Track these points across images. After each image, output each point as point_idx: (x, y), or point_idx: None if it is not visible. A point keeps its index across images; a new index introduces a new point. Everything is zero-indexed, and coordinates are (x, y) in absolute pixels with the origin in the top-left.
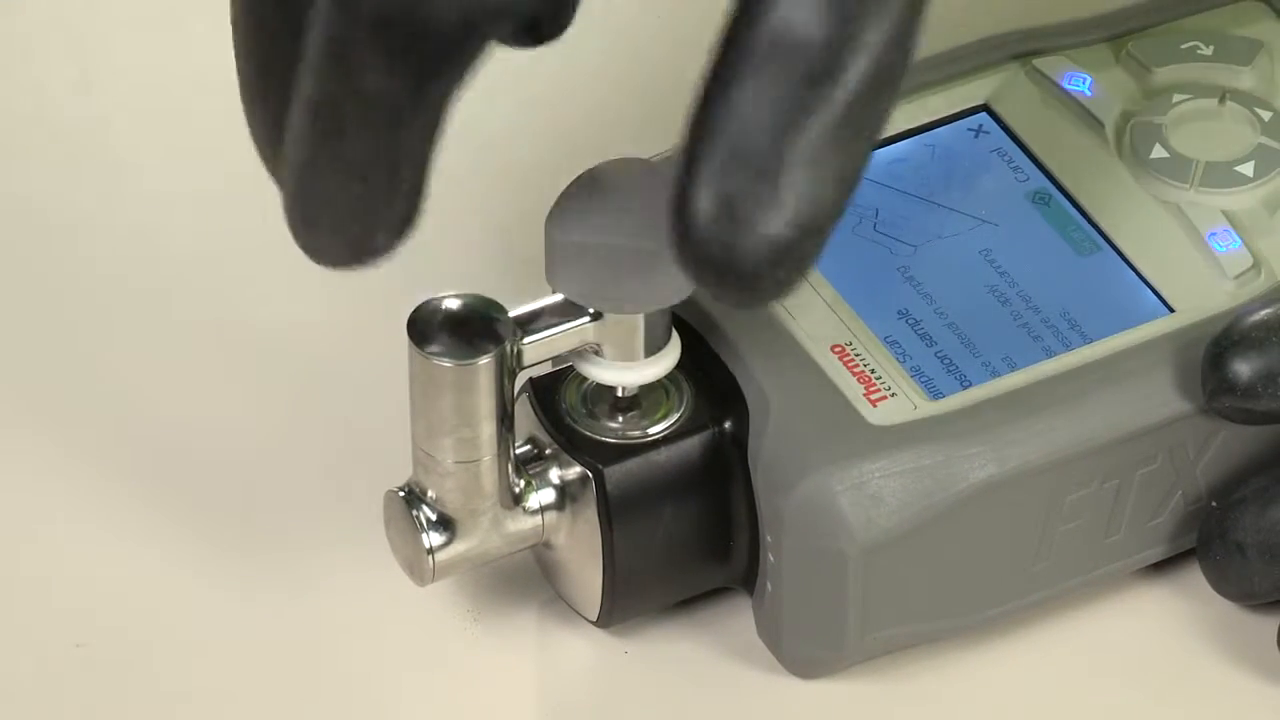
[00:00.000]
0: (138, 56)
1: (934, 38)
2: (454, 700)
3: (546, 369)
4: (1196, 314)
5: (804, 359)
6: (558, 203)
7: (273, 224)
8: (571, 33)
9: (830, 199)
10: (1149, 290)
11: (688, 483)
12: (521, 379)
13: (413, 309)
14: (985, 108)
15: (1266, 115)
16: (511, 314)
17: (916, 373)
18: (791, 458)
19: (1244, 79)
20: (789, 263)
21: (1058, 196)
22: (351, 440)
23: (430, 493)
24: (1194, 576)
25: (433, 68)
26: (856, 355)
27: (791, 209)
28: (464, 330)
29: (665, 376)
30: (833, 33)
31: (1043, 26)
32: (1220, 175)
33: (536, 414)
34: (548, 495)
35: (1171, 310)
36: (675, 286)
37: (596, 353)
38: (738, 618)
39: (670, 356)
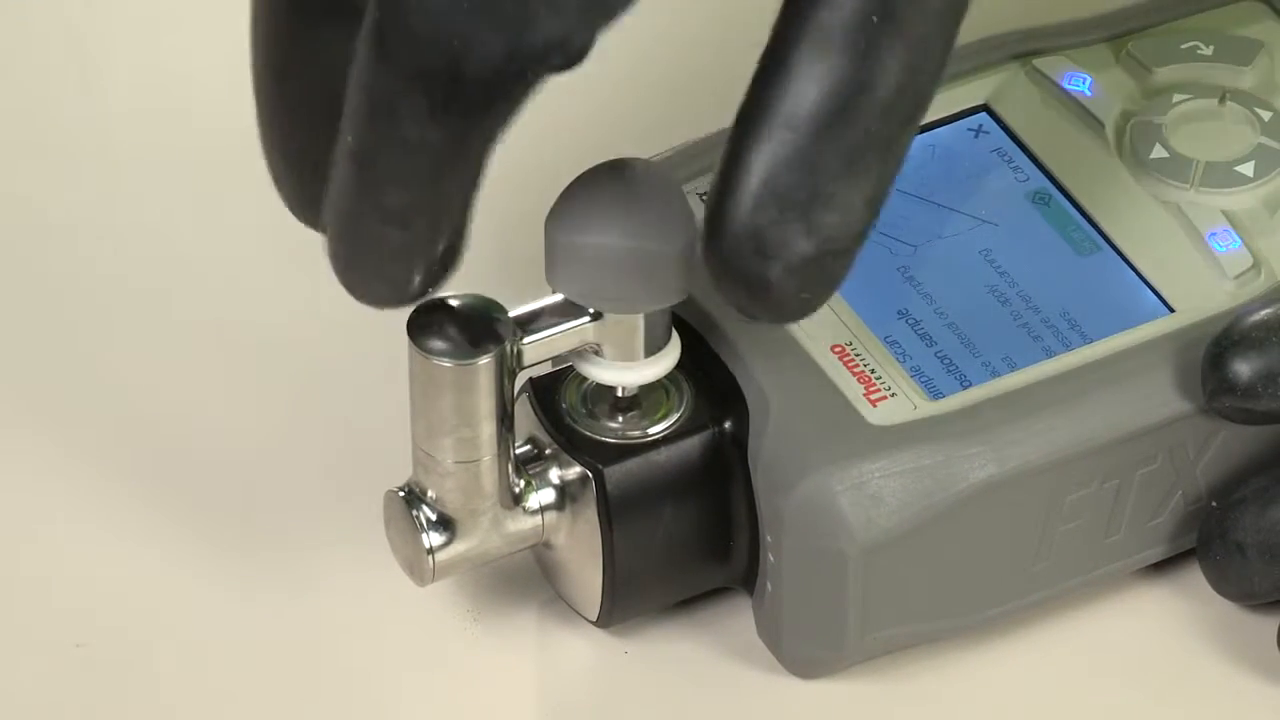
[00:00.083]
0: (138, 56)
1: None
2: (454, 700)
3: (546, 369)
4: (1196, 314)
5: (804, 359)
6: (558, 203)
7: (273, 224)
8: None
9: (857, 223)
10: (1149, 290)
11: (688, 483)
12: (521, 379)
13: (413, 309)
14: (985, 108)
15: (1266, 115)
16: (511, 314)
17: (916, 373)
18: (791, 458)
19: (1244, 79)
20: (816, 285)
21: (1058, 196)
22: (351, 440)
23: (430, 493)
24: (1194, 576)
25: (474, 118)
26: (856, 355)
27: (819, 236)
28: (464, 330)
29: (665, 376)
30: (859, 73)
31: (1043, 26)
32: (1220, 175)
33: (536, 414)
34: (548, 495)
35: (1171, 310)
36: (675, 286)
37: (596, 353)
38: (738, 618)
39: (670, 356)
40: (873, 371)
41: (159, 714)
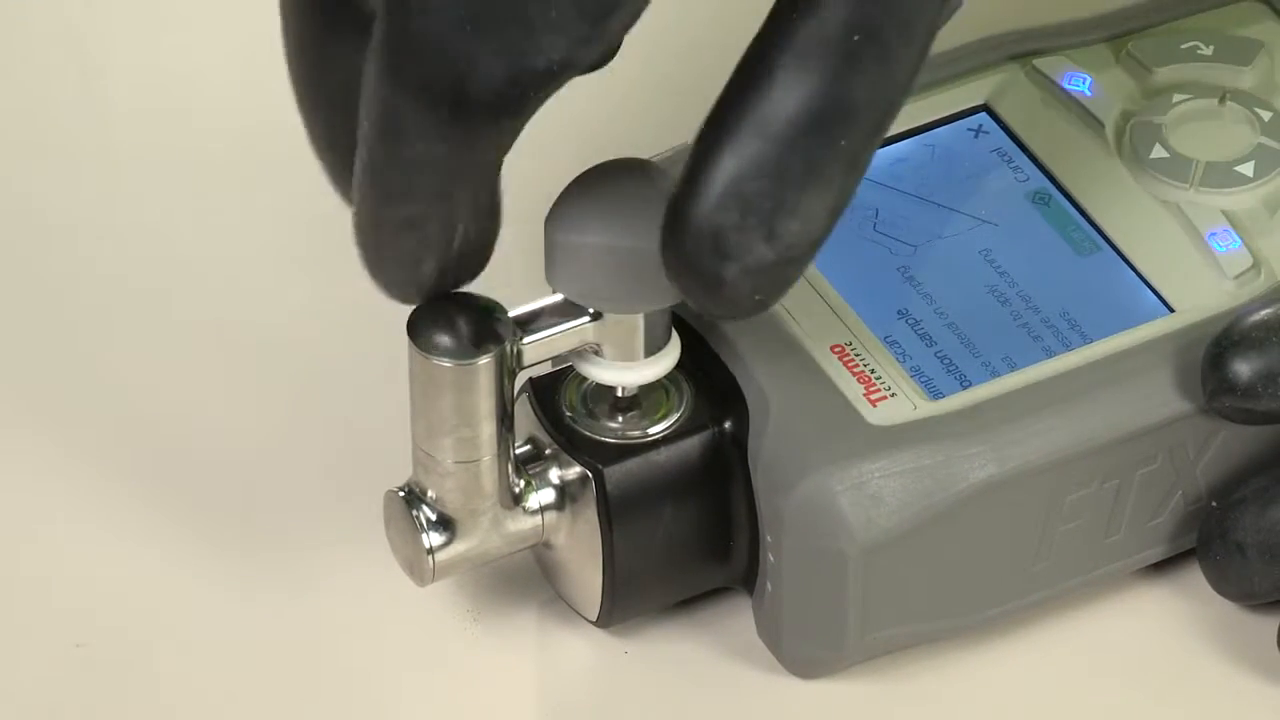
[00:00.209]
0: (138, 56)
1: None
2: (454, 700)
3: (546, 369)
4: (1196, 314)
5: (804, 359)
6: (557, 203)
7: (273, 224)
8: None
9: (818, 232)
10: (1149, 290)
11: (688, 483)
12: (521, 379)
13: (413, 309)
14: (985, 108)
15: (1266, 115)
16: (511, 314)
17: (916, 373)
18: (791, 458)
19: (1244, 79)
20: (770, 288)
21: (1058, 196)
22: (351, 440)
23: (430, 493)
24: (1194, 576)
25: (480, 134)
26: (856, 355)
27: (779, 243)
28: (464, 330)
29: (665, 376)
30: (838, 85)
31: (1043, 26)
32: (1220, 175)
33: (536, 414)
34: (548, 495)
35: (1171, 310)
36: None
37: (596, 353)
38: (738, 618)
39: (670, 356)
40: (873, 371)
41: (159, 714)
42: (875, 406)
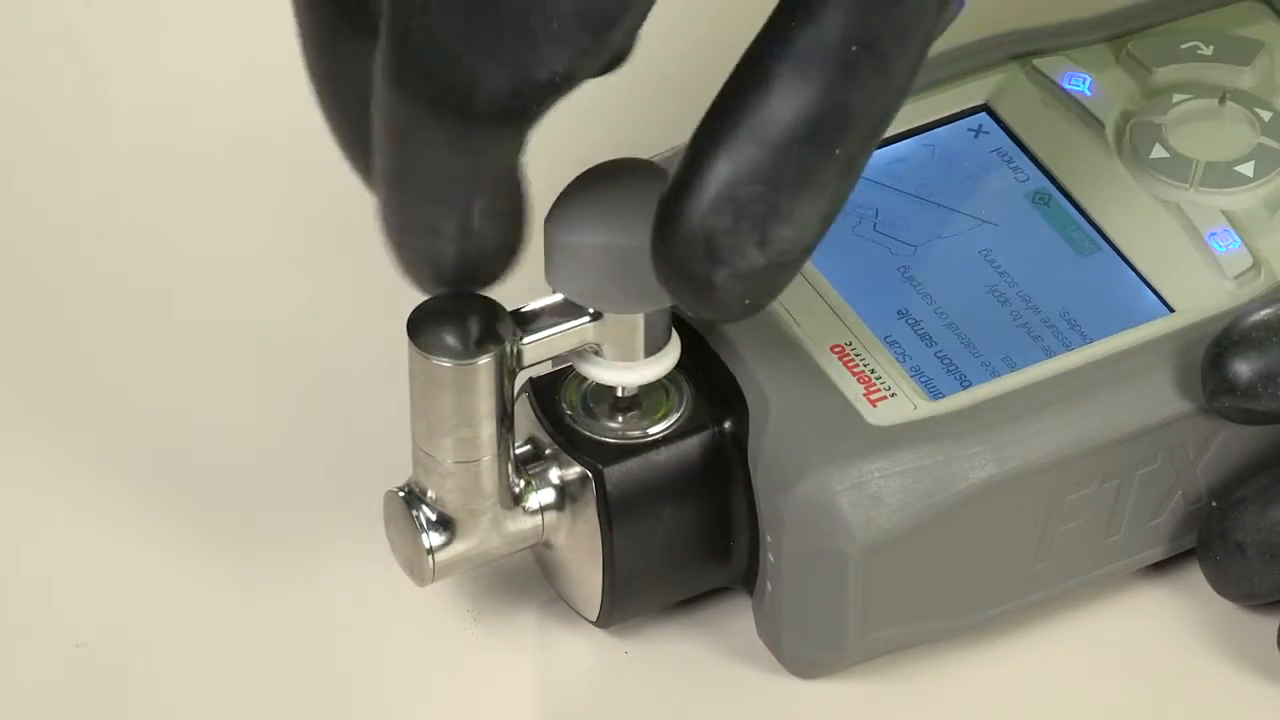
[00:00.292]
0: (138, 56)
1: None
2: (454, 700)
3: (546, 369)
4: (1196, 314)
5: (804, 359)
6: (557, 203)
7: (273, 224)
8: None
9: (810, 239)
10: (1149, 290)
11: (688, 483)
12: (521, 379)
13: (413, 309)
14: (985, 108)
15: (1266, 115)
16: (511, 314)
17: (916, 373)
18: (791, 458)
19: (1244, 79)
20: (759, 293)
21: (1058, 196)
22: (351, 440)
23: (430, 493)
24: (1194, 576)
25: (489, 142)
26: (856, 355)
27: (770, 248)
28: (464, 330)
29: (665, 376)
30: (835, 94)
31: (1043, 26)
32: (1220, 175)
33: (536, 414)
34: (548, 495)
35: (1171, 310)
36: None
37: (596, 353)
38: (738, 618)
39: (670, 356)
40: (873, 371)
41: (159, 714)
42: (875, 406)
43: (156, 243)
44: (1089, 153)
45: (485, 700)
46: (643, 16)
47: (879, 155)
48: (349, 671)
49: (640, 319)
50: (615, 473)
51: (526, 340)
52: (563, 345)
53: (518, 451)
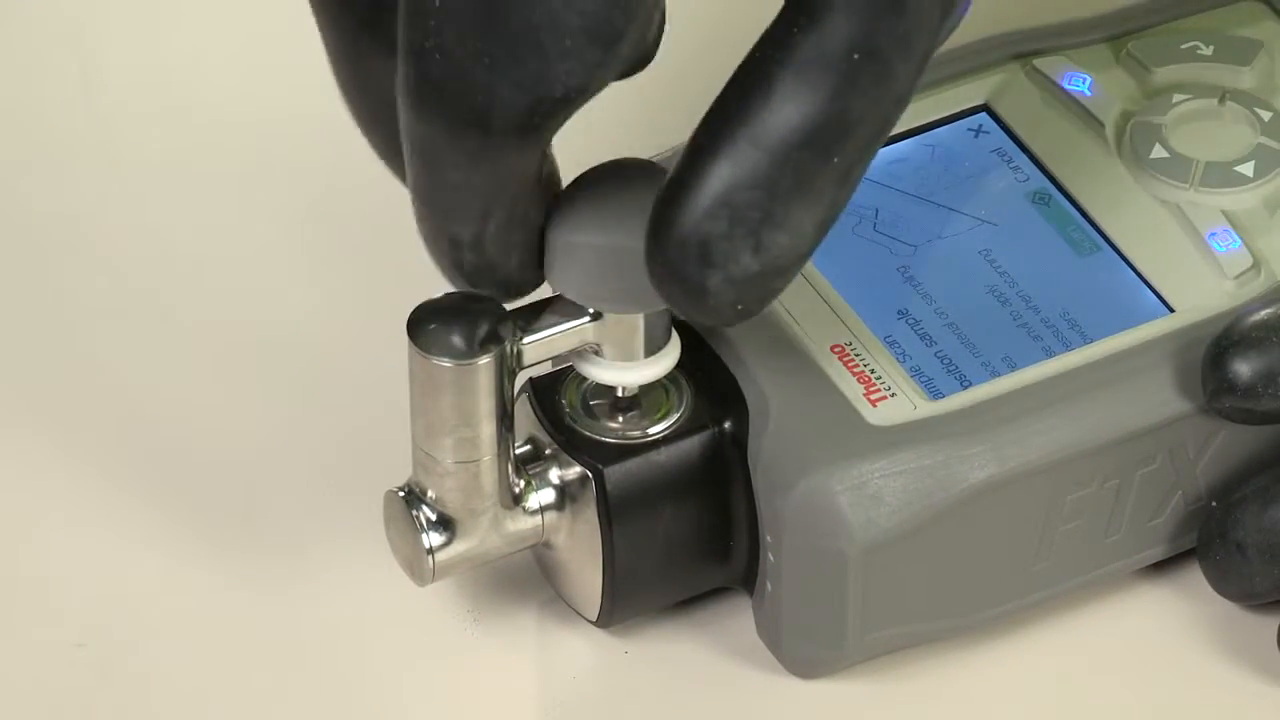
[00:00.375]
0: (138, 56)
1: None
2: (454, 700)
3: (546, 369)
4: (1196, 314)
5: (804, 359)
6: (558, 201)
7: (273, 224)
8: None
9: (805, 246)
10: (1149, 290)
11: (688, 483)
12: (521, 379)
13: (413, 309)
14: (985, 108)
15: (1266, 115)
16: (511, 314)
17: (916, 373)
18: (791, 458)
19: (1244, 79)
20: (753, 299)
21: (1058, 196)
22: (351, 440)
23: (430, 493)
24: (1194, 576)
25: (510, 157)
26: (856, 355)
27: (765, 254)
28: (464, 330)
29: (665, 376)
30: (836, 101)
31: (1043, 26)
32: (1220, 175)
33: (536, 414)
34: (548, 495)
35: (1171, 310)
36: None
37: (596, 353)
38: (738, 618)
39: (670, 356)
40: (873, 371)
41: (159, 714)
42: (875, 406)
43: (156, 243)
44: (1089, 153)
45: (485, 700)
46: (648, 26)
47: (879, 155)
48: (349, 671)
49: (640, 319)
50: (615, 473)
51: (526, 340)
52: (563, 345)
53: (518, 451)
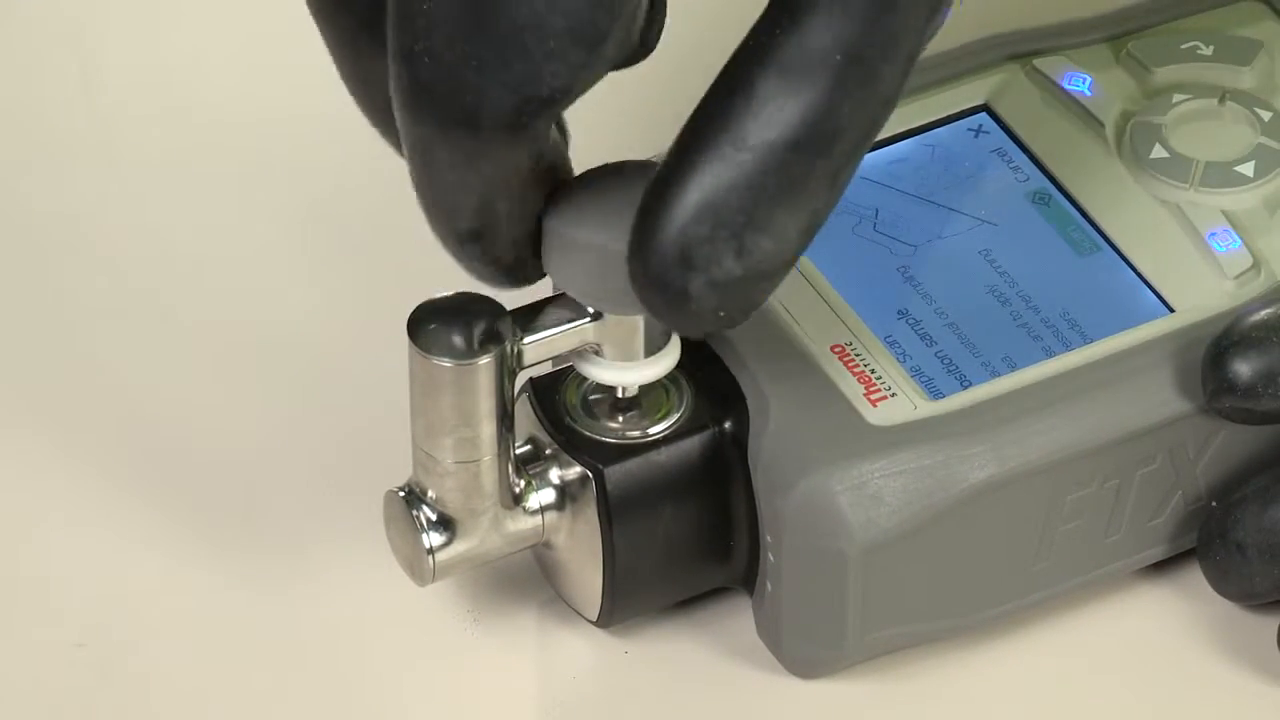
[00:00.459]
0: (138, 56)
1: (935, 38)
2: (454, 700)
3: (546, 369)
4: (1196, 314)
5: (804, 359)
6: (558, 200)
7: (273, 224)
8: None
9: (789, 251)
10: (1149, 290)
11: (688, 483)
12: (521, 379)
13: (413, 309)
14: (985, 108)
15: (1266, 115)
16: (511, 314)
17: (916, 373)
18: (791, 458)
19: (1244, 79)
20: (735, 305)
21: (1058, 196)
22: (351, 440)
23: (430, 493)
24: (1194, 576)
25: (505, 154)
26: (856, 355)
27: (748, 259)
28: (464, 330)
29: (665, 376)
30: (820, 104)
31: (1043, 26)
32: (1220, 175)
33: (536, 414)
34: (548, 495)
35: (1171, 310)
36: None
37: (596, 353)
38: (738, 618)
39: (670, 356)
40: (873, 371)
41: (159, 714)
42: (875, 406)
43: (156, 243)
44: (1089, 153)
45: (485, 700)
46: (633, 24)
47: (879, 155)
48: (349, 671)
49: (640, 319)
50: (615, 473)
51: (526, 340)
52: (563, 345)
53: (518, 451)
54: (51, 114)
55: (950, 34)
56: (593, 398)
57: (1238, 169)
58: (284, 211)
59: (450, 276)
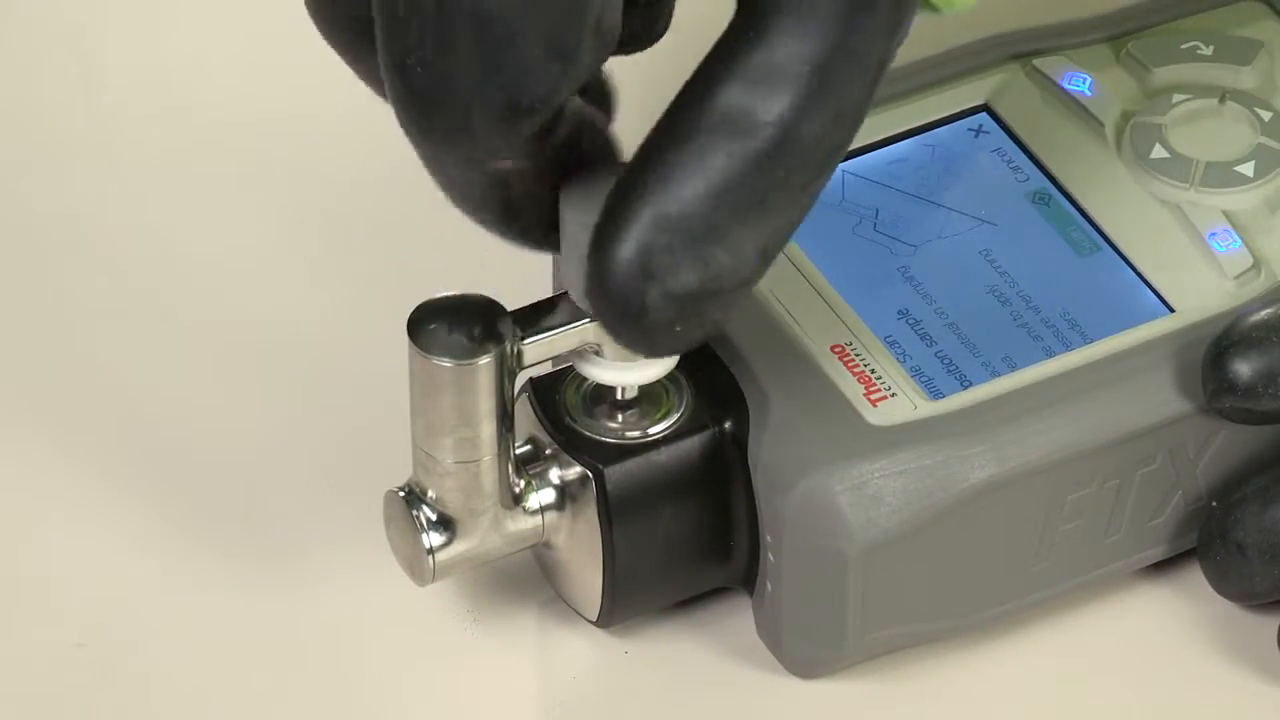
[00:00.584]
0: (138, 56)
1: (934, 38)
2: (454, 700)
3: (546, 369)
4: (1196, 314)
5: (804, 359)
6: (570, 185)
7: (273, 224)
8: None
9: (746, 268)
10: (1149, 290)
11: (688, 483)
12: (521, 379)
13: (413, 309)
14: (985, 108)
15: (1266, 115)
16: (511, 314)
17: (916, 373)
18: (791, 458)
19: (1244, 79)
20: (693, 321)
21: (1058, 196)
22: (351, 440)
23: (430, 493)
24: (1194, 576)
25: (500, 153)
26: (856, 355)
27: (705, 272)
28: (464, 330)
29: (665, 376)
30: (784, 114)
31: (1043, 26)
32: (1220, 175)
33: (536, 414)
34: (548, 495)
35: (1171, 310)
36: None
37: (597, 353)
38: (738, 618)
39: (670, 357)
40: (873, 371)
41: (159, 714)
42: (875, 406)
43: (156, 243)
44: (1089, 153)
45: (485, 700)
46: (611, 39)
47: (879, 155)
48: (349, 671)
49: None
50: (615, 473)
51: (526, 340)
52: (563, 345)
53: (518, 451)
54: (51, 114)
55: (950, 34)
56: (593, 398)
57: (1238, 169)
58: (284, 211)
59: (450, 276)
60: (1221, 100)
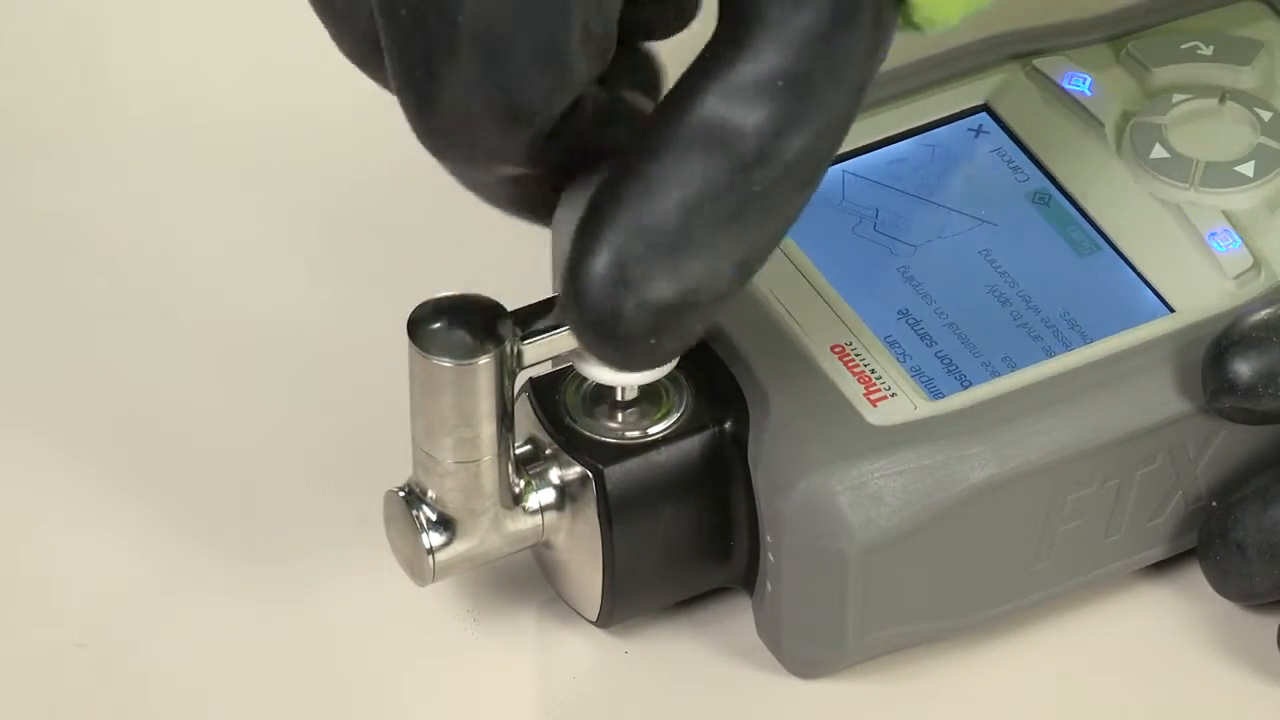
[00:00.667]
0: (138, 56)
1: (934, 38)
2: (454, 700)
3: (546, 369)
4: (1196, 314)
5: (804, 359)
6: (569, 189)
7: (274, 223)
8: None
9: (724, 281)
10: (1149, 290)
11: (688, 483)
12: (521, 379)
13: (413, 309)
14: (985, 108)
15: (1266, 115)
16: (511, 314)
17: (916, 373)
18: (791, 458)
19: (1244, 79)
20: (669, 333)
21: (1058, 196)
22: (351, 440)
23: (430, 493)
24: (1194, 576)
25: (511, 156)
26: (856, 355)
27: (683, 283)
28: (464, 330)
29: (665, 376)
30: (762, 128)
31: (1043, 26)
32: (1220, 175)
33: (536, 414)
34: (548, 495)
35: (1171, 310)
36: None
37: None
38: (738, 618)
39: (646, 370)
40: (873, 371)
41: (159, 714)
42: (875, 406)
43: (156, 243)
44: (1089, 153)
45: (485, 700)
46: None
47: (879, 155)
48: (349, 671)
49: None
50: (615, 473)
51: (526, 340)
52: (563, 345)
53: (518, 451)
54: (51, 114)
55: (950, 34)
56: (593, 398)
57: (1238, 169)
58: (284, 211)
59: (450, 276)
60: (1221, 100)
